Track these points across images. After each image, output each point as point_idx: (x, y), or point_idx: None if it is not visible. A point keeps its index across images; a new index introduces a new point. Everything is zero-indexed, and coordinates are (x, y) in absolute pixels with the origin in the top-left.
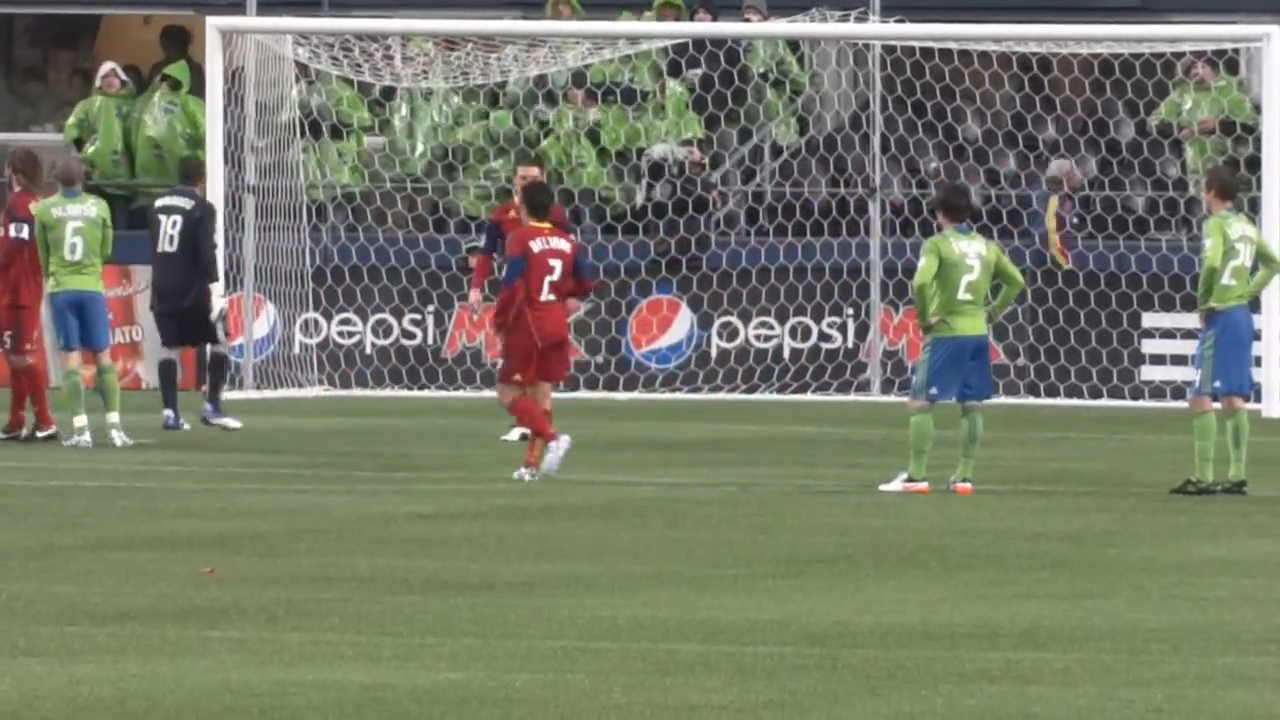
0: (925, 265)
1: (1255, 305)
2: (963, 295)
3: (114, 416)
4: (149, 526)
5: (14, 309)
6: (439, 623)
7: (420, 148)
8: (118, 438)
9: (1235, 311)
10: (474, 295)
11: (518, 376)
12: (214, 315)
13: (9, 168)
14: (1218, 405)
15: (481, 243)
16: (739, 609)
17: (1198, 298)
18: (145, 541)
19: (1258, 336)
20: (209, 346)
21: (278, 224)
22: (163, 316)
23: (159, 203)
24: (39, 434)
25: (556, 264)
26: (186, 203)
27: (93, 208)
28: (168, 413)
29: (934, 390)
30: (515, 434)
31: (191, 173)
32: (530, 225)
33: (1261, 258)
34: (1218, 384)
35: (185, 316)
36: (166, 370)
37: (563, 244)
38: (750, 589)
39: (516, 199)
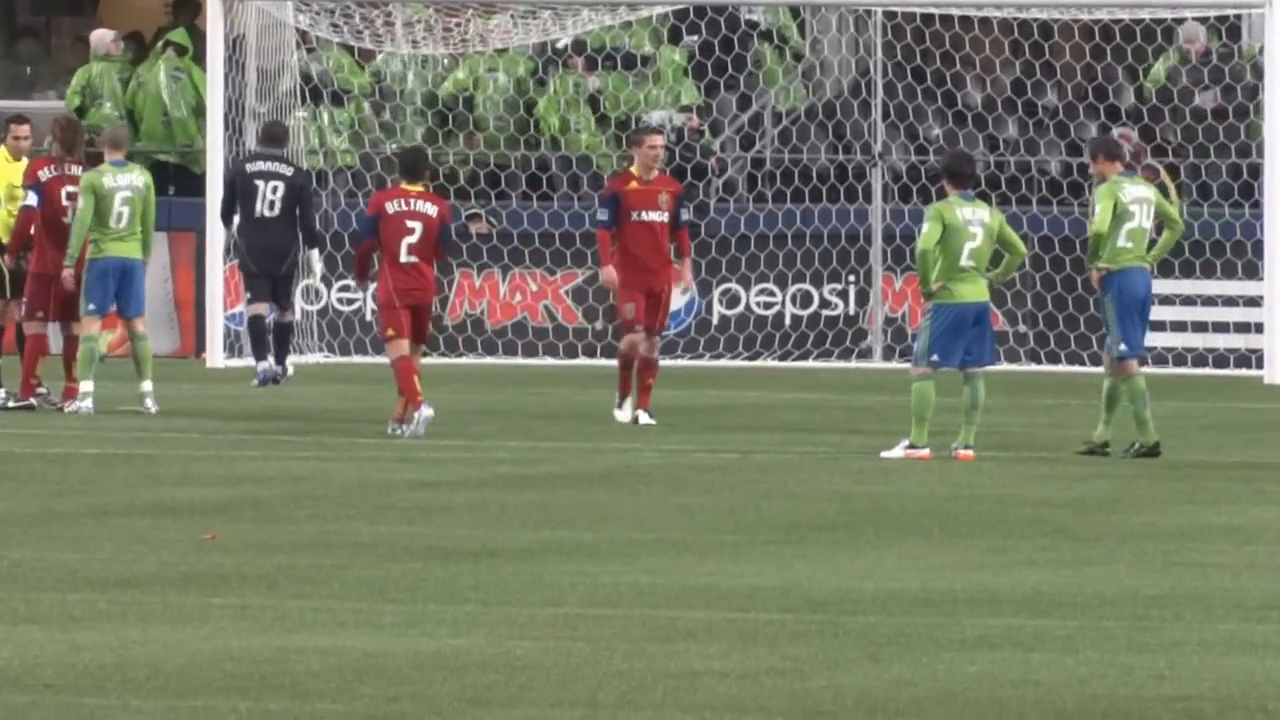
0: (928, 231)
1: (1164, 269)
2: (965, 262)
3: (147, 385)
4: (150, 493)
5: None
6: (440, 590)
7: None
8: (151, 405)
9: (1131, 273)
10: (606, 272)
11: (390, 332)
12: (317, 279)
13: (50, 133)
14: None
15: (604, 216)
16: (741, 575)
17: (1087, 260)
18: (146, 508)
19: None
20: (278, 314)
21: None
22: (258, 279)
23: (251, 168)
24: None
25: (416, 226)
26: (286, 169)
27: (139, 177)
28: (263, 365)
29: (935, 357)
30: (626, 414)
31: (280, 137)
32: (396, 187)
33: (1165, 219)
34: (1123, 348)
35: (281, 280)
36: (258, 325)
37: (428, 208)
38: (752, 555)
39: (633, 168)
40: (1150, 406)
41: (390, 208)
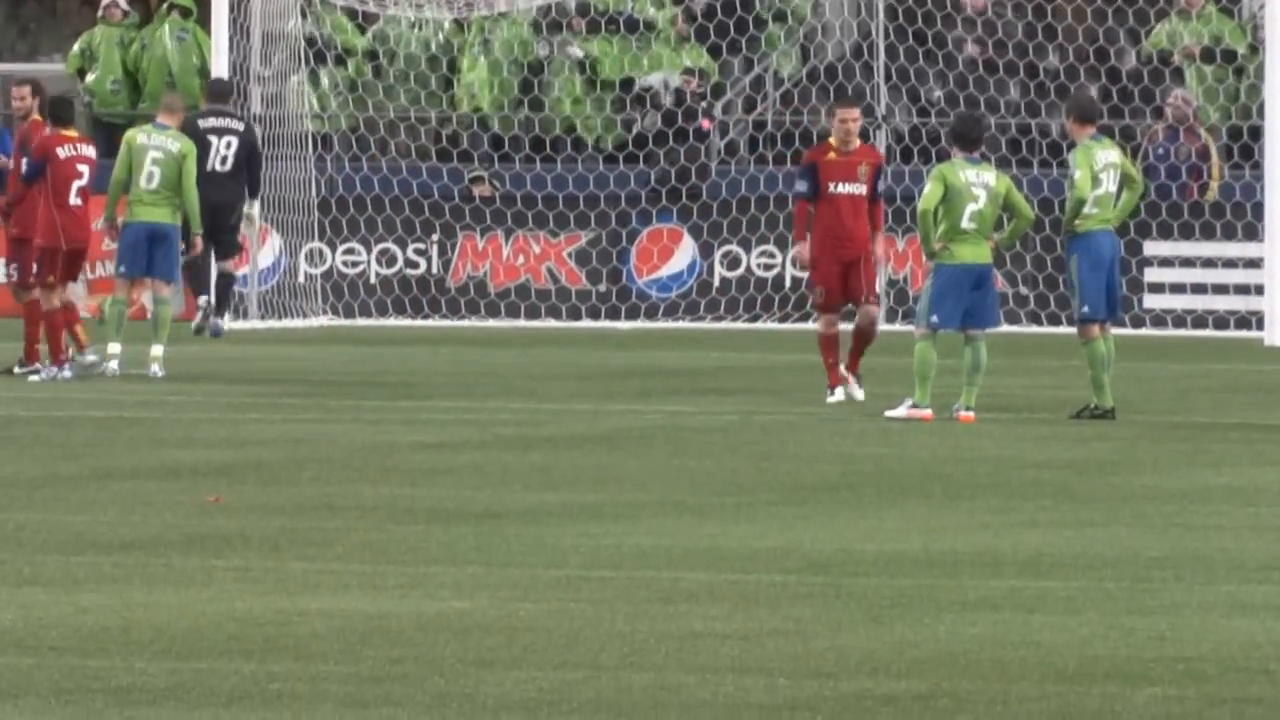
0: (929, 191)
1: (1123, 230)
2: (966, 224)
3: (158, 350)
4: (154, 456)
5: (20, 242)
6: (443, 552)
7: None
8: (157, 370)
9: (1096, 236)
10: (800, 249)
11: (51, 278)
12: (256, 229)
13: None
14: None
15: (803, 186)
16: (742, 537)
17: (1063, 225)
18: (150, 471)
19: (1162, 262)
20: (220, 264)
21: (283, 153)
22: (213, 231)
23: (204, 124)
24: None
25: (85, 169)
26: (238, 124)
27: (175, 143)
28: (218, 321)
29: (935, 318)
30: (838, 394)
31: (226, 93)
32: (58, 134)
33: (1126, 180)
34: (1085, 309)
35: (228, 232)
36: (225, 282)
37: (90, 151)
38: (753, 517)
39: (833, 139)
40: (1111, 371)
41: (62, 153)
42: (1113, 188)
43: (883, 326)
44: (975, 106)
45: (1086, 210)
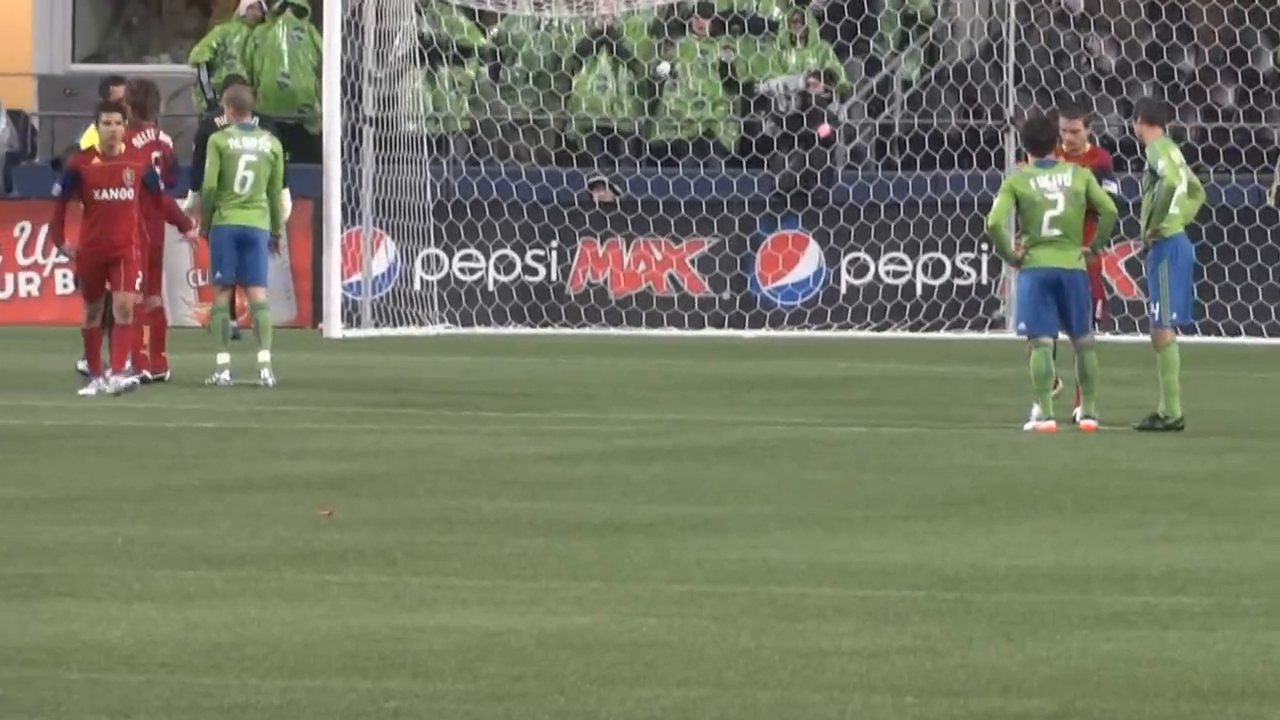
0: (998, 204)
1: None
2: (1048, 231)
3: (265, 355)
4: (266, 468)
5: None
6: (563, 566)
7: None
8: (268, 376)
9: (1181, 239)
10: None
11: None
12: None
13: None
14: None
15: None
16: (870, 552)
17: (1149, 221)
18: (262, 483)
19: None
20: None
21: (397, 156)
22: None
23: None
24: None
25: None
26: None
27: (267, 142)
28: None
29: (1023, 325)
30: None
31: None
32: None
33: (1190, 186)
34: (1175, 316)
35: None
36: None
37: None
38: (882, 531)
39: (1064, 147)
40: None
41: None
42: (1185, 189)
43: (1011, 336)
44: (1107, 109)
45: (1172, 210)
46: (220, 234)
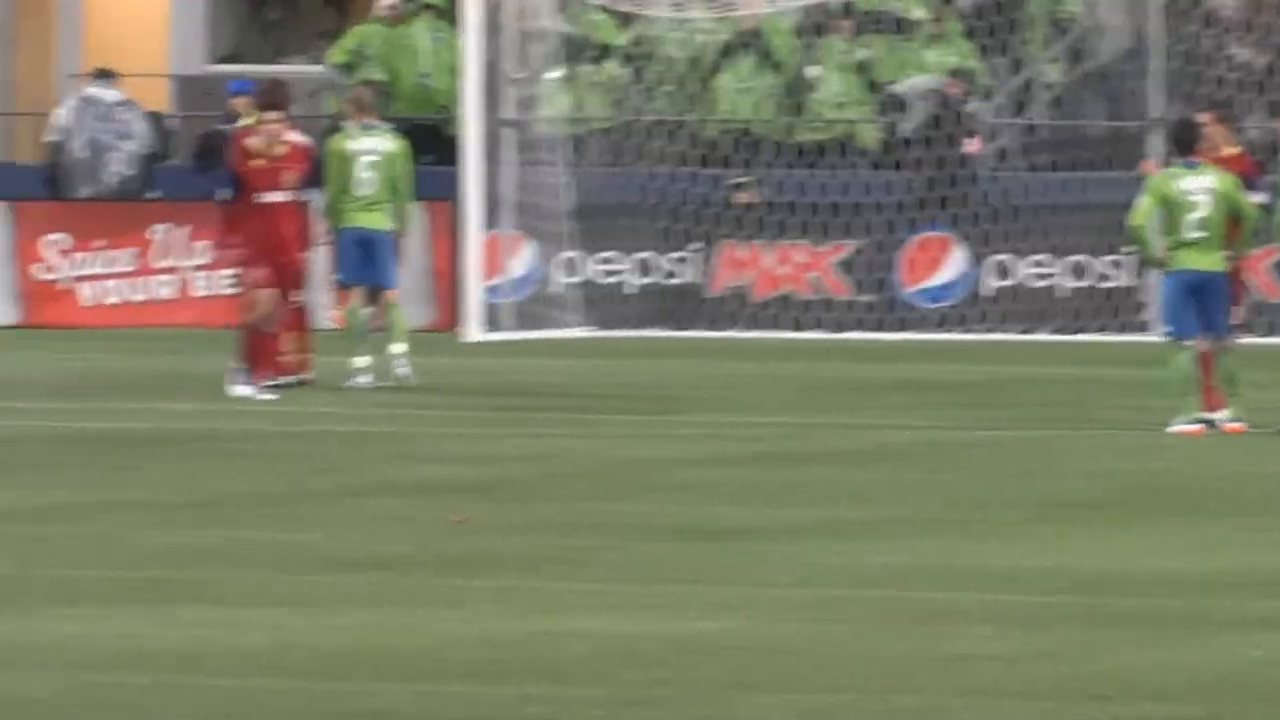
0: (1139, 206)
1: None
2: (1191, 234)
3: (399, 347)
4: (402, 472)
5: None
6: (701, 571)
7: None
8: (402, 367)
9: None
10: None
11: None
12: None
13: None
14: None
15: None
16: (1008, 555)
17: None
18: (399, 488)
19: None
20: None
21: (536, 158)
22: None
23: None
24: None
25: None
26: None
27: (388, 142)
28: None
29: (1169, 328)
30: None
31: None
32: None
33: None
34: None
35: None
36: None
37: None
38: (1019, 535)
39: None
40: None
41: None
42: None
43: (1156, 339)
44: (1249, 111)
45: None
46: (344, 237)
